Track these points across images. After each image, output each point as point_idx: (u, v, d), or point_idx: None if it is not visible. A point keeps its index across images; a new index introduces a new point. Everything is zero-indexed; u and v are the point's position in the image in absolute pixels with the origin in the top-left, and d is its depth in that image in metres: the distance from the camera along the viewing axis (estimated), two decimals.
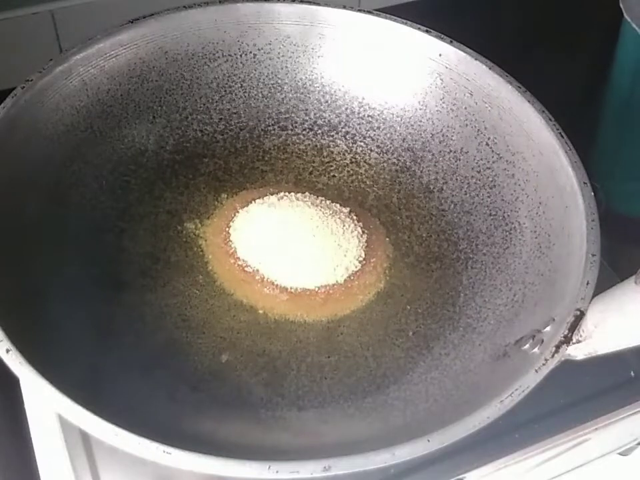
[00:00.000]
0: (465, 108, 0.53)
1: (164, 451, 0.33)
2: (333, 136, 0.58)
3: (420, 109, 0.56)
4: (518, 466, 0.47)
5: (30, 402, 0.47)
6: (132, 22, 0.52)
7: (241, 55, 0.56)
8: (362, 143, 0.57)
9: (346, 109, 0.57)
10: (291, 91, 0.57)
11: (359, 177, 0.57)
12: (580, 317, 0.39)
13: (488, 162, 0.52)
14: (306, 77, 0.57)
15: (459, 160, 0.54)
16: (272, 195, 0.53)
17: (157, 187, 0.54)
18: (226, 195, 0.55)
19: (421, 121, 0.56)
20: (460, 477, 0.45)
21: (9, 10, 0.62)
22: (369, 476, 0.42)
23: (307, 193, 0.53)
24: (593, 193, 0.44)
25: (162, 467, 0.33)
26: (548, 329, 0.40)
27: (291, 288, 0.49)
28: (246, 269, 0.50)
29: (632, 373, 0.50)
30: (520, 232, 0.49)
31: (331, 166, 0.57)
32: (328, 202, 0.53)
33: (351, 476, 0.33)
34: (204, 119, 0.56)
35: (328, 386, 0.46)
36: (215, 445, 0.35)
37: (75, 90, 0.50)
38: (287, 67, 0.57)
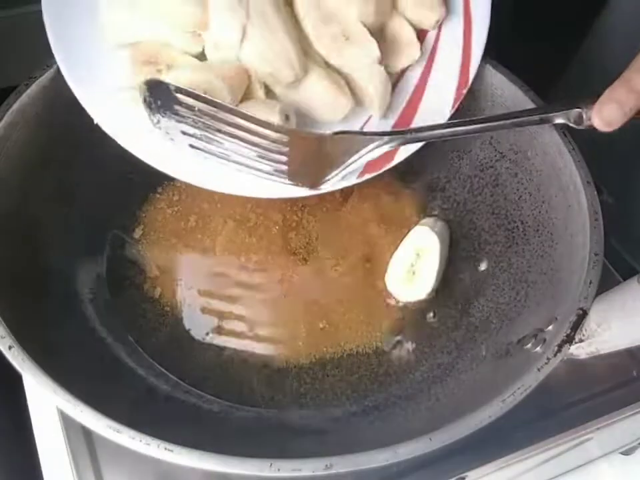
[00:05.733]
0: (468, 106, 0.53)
1: (166, 448, 0.33)
2: None
3: None
4: (520, 465, 0.47)
5: (32, 399, 0.47)
6: None
7: None
8: None
9: None
10: None
11: None
12: (582, 316, 0.39)
13: (491, 161, 0.52)
14: None
15: (462, 159, 0.54)
16: None
17: (161, 184, 0.54)
18: None
19: None
20: (461, 475, 0.44)
21: (11, 8, 0.62)
22: (370, 474, 0.42)
23: None
24: (596, 192, 0.44)
25: (164, 464, 0.33)
26: (550, 328, 0.40)
27: None
28: None
29: (634, 373, 0.50)
30: (523, 231, 0.49)
31: None
32: None
33: (353, 474, 0.33)
34: None
35: (330, 384, 0.46)
36: (217, 442, 0.35)
37: None
38: None
